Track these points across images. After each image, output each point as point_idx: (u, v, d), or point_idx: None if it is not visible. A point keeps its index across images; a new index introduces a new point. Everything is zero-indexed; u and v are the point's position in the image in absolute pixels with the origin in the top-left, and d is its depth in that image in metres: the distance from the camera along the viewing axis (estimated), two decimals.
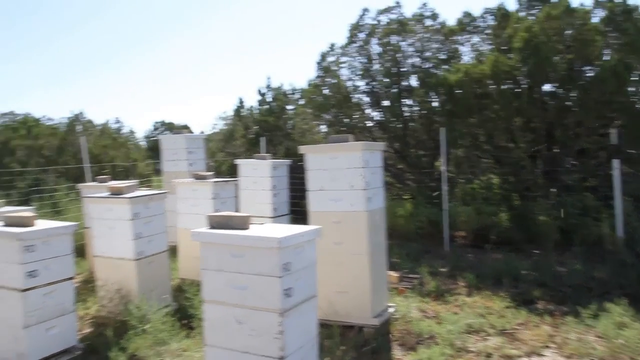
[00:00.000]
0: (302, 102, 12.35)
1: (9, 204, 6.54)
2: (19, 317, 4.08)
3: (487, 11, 10.06)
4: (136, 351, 4.28)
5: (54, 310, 4.28)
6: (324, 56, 11.35)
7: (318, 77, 11.30)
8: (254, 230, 3.22)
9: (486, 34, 10.09)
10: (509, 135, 9.28)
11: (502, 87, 8.80)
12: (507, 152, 9.17)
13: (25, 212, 4.70)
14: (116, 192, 5.28)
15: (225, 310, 3.20)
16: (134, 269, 5.12)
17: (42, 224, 4.35)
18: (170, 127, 25.80)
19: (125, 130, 17.39)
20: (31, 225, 4.28)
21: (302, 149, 5.00)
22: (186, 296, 5.35)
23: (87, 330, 5.01)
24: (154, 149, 15.83)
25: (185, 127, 25.78)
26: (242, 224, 3.32)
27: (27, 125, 12.80)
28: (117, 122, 16.91)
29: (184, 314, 5.02)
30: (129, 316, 4.76)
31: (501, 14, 9.60)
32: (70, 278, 4.43)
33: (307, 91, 11.57)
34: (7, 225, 4.28)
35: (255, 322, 3.09)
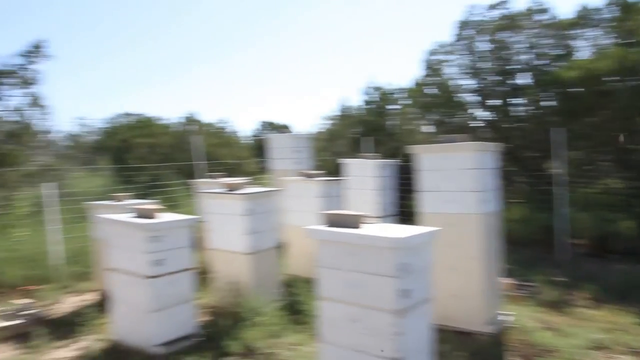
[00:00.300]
0: (405, 101, 12.19)
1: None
2: (145, 302, 4.37)
3: (610, 3, 9.35)
4: (250, 342, 4.42)
5: (176, 298, 4.53)
6: (429, 54, 11.13)
7: (424, 75, 11.09)
8: (368, 229, 3.19)
9: (607, 27, 9.38)
10: (633, 136, 8.56)
11: (627, 83, 8.14)
12: (630, 154, 8.46)
13: (151, 204, 5.00)
14: (231, 188, 5.50)
15: (340, 308, 3.19)
16: (247, 263, 5.30)
17: (165, 217, 4.62)
18: (273, 127, 26.55)
19: (231, 129, 18.14)
20: (155, 217, 4.56)
21: (414, 149, 4.91)
22: (295, 292, 5.46)
23: (203, 319, 5.24)
24: (259, 148, 16.37)
25: (285, 127, 26.41)
26: (354, 222, 3.30)
27: (145, 125, 13.79)
28: (224, 121, 17.69)
29: (293, 309, 5.12)
30: (241, 308, 4.93)
31: (624, 6, 8.89)
32: (190, 268, 4.67)
33: (413, 90, 11.41)
34: (137, 216, 4.61)
35: (370, 322, 3.06)
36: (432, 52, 11.10)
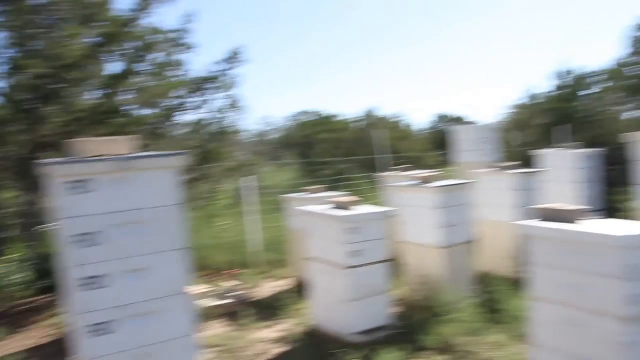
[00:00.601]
0: (604, 84, 10.96)
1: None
2: (343, 291, 4.51)
3: None
4: (446, 338, 4.32)
5: (372, 289, 4.60)
6: (635, 30, 9.85)
7: (628, 54, 9.86)
8: (588, 224, 2.88)
9: None
10: None
11: None
12: None
13: (347, 197, 5.14)
14: (423, 181, 5.43)
15: (556, 310, 2.94)
16: (440, 257, 5.19)
17: (362, 209, 4.72)
18: (448, 119, 25.91)
19: (406, 122, 18.12)
20: (352, 209, 4.68)
21: (633, 137, 4.35)
22: (489, 289, 5.22)
23: (396, 311, 5.25)
24: (436, 140, 16.09)
25: (460, 119, 25.56)
26: (570, 217, 3.00)
27: (327, 121, 14.41)
28: (399, 114, 17.76)
29: (489, 307, 4.89)
30: (435, 302, 4.85)
31: None
32: (386, 260, 4.70)
33: (614, 72, 10.22)
34: (334, 208, 4.78)
35: (593, 328, 2.77)
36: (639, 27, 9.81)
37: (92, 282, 2.47)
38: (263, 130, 18.81)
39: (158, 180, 2.60)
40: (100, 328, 2.49)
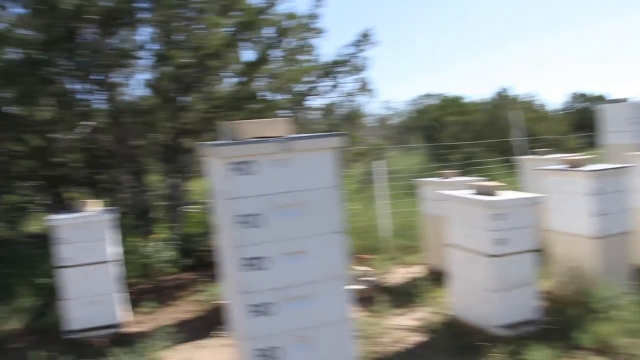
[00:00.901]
0: None
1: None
2: (487, 281, 4.28)
3: None
4: (604, 337, 3.94)
5: (517, 280, 4.32)
6: None
7: None
8: None
9: None
10: None
11: None
12: None
13: (489, 182, 4.87)
14: (572, 165, 4.99)
15: None
16: (593, 248, 4.75)
17: (507, 194, 4.44)
18: (586, 99, 23.89)
19: (540, 102, 16.97)
20: (497, 194, 4.41)
21: None
22: None
23: (541, 305, 4.90)
24: (574, 121, 14.91)
25: (601, 97, 23.44)
26: None
27: (455, 103, 13.90)
28: (532, 95, 16.63)
29: None
30: (588, 298, 4.44)
31: None
32: (533, 250, 4.39)
33: None
34: (477, 193, 4.54)
35: None
36: None
37: (252, 263, 2.52)
38: (386, 114, 18.62)
39: (317, 162, 2.60)
40: (259, 309, 2.54)
